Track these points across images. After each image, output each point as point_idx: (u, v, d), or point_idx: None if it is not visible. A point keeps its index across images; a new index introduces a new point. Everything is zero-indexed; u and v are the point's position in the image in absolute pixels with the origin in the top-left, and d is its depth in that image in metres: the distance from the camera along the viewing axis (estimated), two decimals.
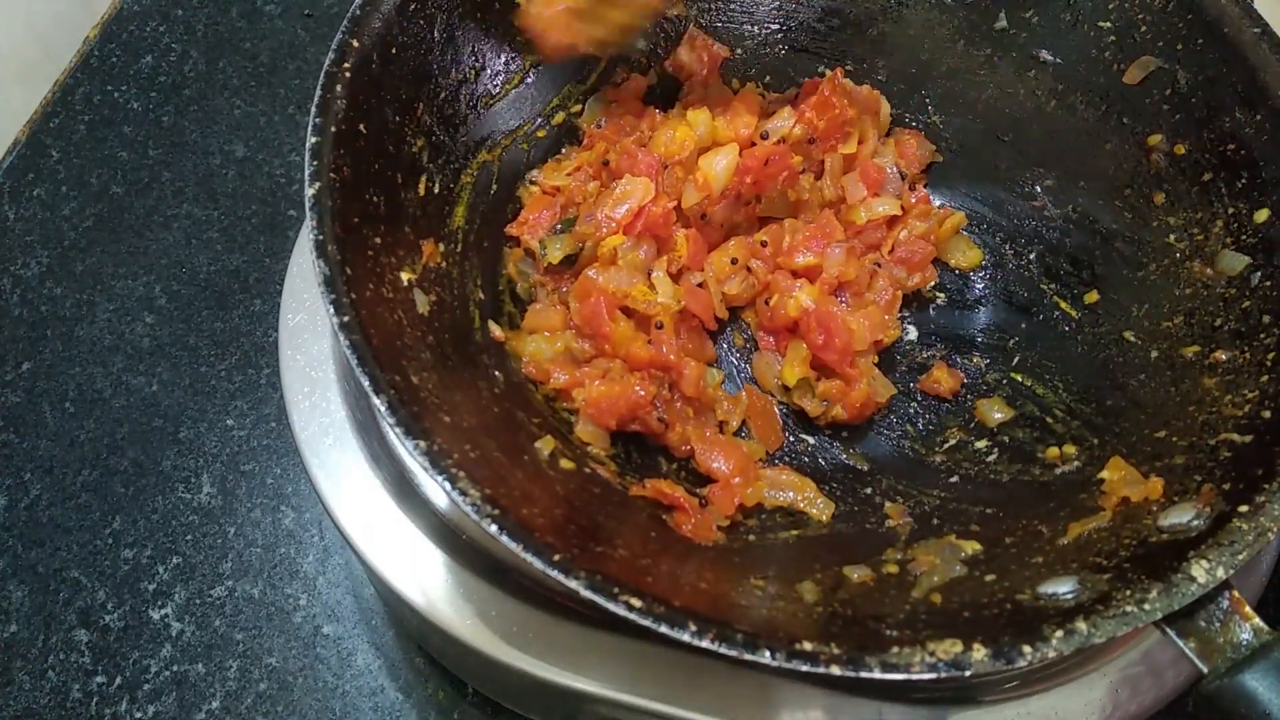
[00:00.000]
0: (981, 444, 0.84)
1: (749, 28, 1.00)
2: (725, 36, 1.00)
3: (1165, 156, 0.84)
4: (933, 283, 0.94)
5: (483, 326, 0.81)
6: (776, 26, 1.00)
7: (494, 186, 0.87)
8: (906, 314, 0.94)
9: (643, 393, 0.79)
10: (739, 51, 1.01)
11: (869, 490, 0.82)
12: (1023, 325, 0.91)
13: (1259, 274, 0.75)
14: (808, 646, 0.55)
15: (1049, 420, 0.83)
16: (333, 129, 0.69)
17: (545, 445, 0.75)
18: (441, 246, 0.79)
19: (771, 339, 0.90)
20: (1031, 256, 0.93)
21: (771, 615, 0.63)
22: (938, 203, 0.98)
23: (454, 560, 0.75)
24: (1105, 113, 0.89)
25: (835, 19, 1.00)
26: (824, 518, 0.79)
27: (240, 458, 1.08)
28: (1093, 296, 0.88)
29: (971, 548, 0.71)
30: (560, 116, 0.93)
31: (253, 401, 1.11)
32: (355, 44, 0.73)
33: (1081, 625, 0.56)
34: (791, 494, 0.80)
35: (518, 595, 0.74)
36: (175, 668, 0.96)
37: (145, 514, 1.05)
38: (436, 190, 0.80)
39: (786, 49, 1.01)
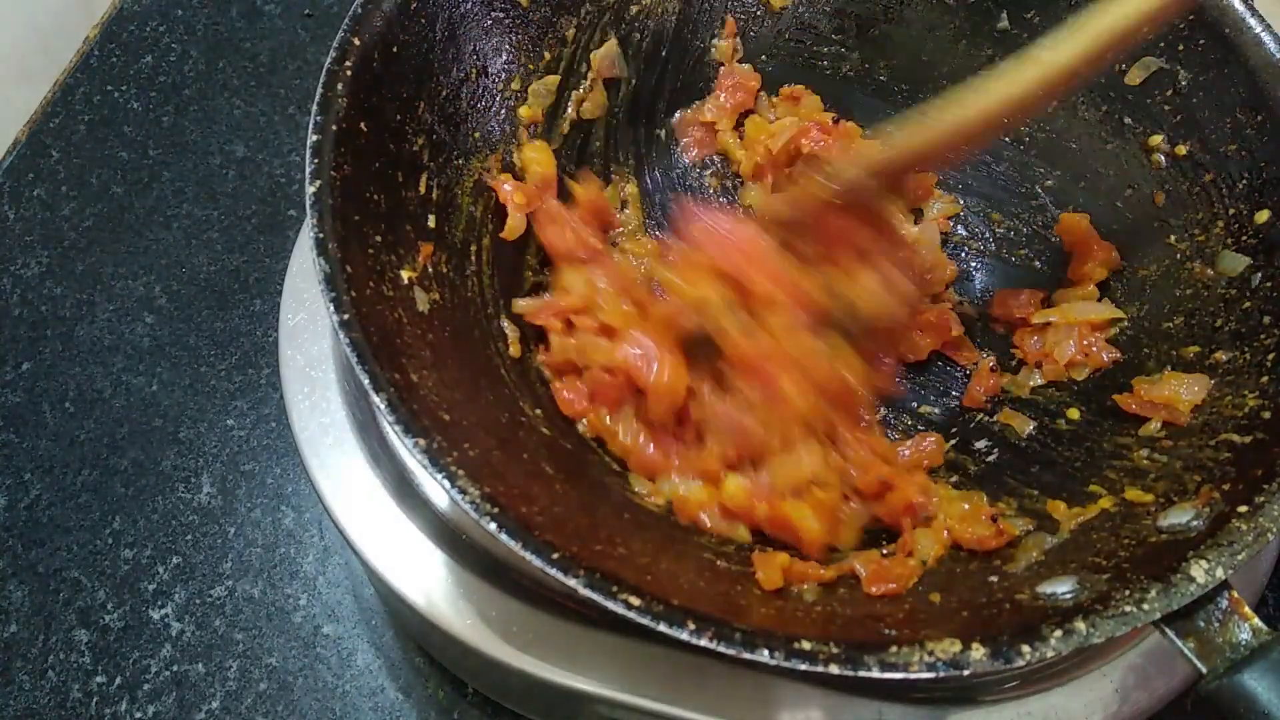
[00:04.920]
0: (981, 444, 0.84)
1: (749, 25, 1.00)
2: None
3: (1166, 157, 0.84)
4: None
5: (483, 324, 0.81)
6: (779, 26, 1.00)
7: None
8: None
9: None
10: (738, 51, 1.01)
11: None
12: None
13: (1259, 275, 0.75)
14: (807, 646, 0.55)
15: (1050, 421, 0.83)
16: (334, 127, 0.69)
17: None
18: (443, 244, 0.80)
19: None
20: (1034, 258, 0.94)
21: (771, 614, 0.63)
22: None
23: (454, 560, 0.75)
24: (1106, 113, 0.89)
25: (836, 19, 1.00)
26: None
27: (240, 458, 1.08)
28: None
29: None
30: (559, 116, 0.93)
31: (253, 401, 1.11)
32: (357, 42, 0.73)
33: (1080, 625, 0.56)
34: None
35: (518, 595, 0.74)
36: (175, 668, 0.96)
37: (145, 514, 1.05)
38: (437, 188, 0.80)
39: (787, 49, 1.01)
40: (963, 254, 0.96)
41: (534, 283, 0.89)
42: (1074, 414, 0.82)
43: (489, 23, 0.86)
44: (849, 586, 0.70)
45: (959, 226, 0.97)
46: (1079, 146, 0.91)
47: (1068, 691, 0.72)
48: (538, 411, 0.79)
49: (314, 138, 0.69)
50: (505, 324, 0.83)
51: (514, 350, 0.82)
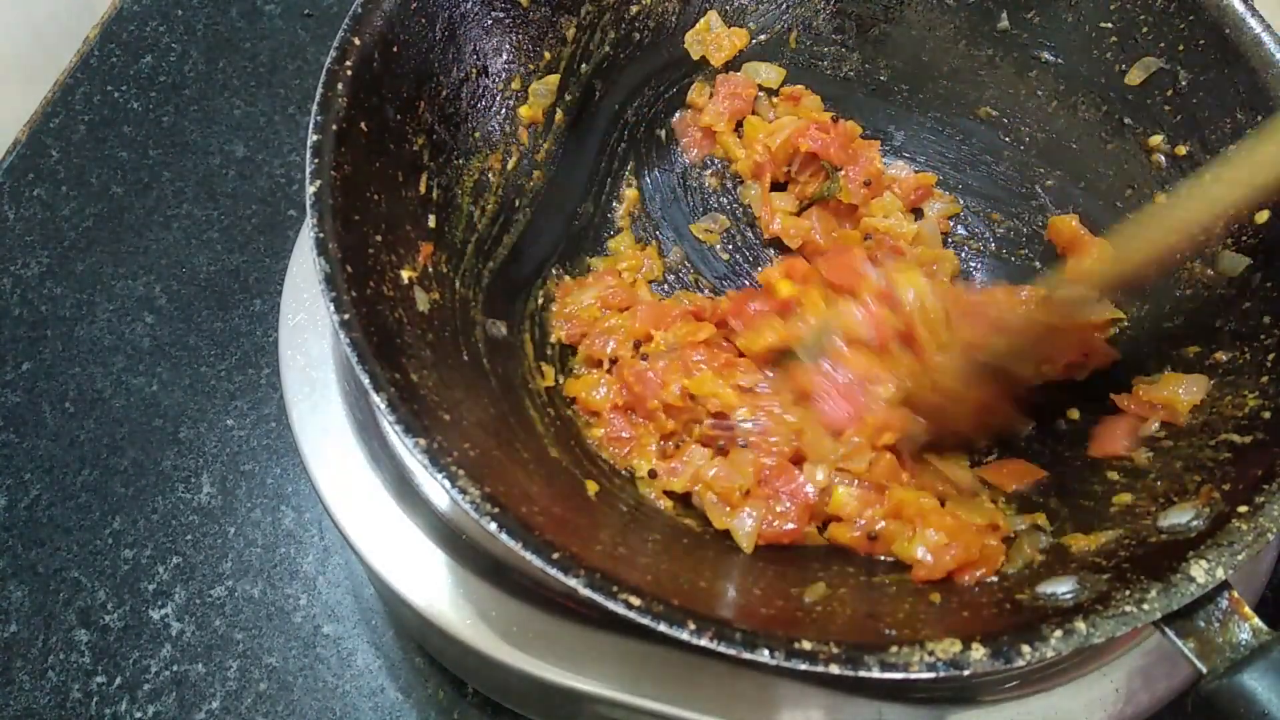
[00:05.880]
0: (980, 444, 0.84)
1: (748, 24, 1.00)
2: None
3: (1167, 157, 0.84)
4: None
5: (483, 324, 0.81)
6: (779, 26, 1.00)
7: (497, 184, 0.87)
8: None
9: None
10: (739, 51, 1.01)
11: None
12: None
13: (1259, 275, 0.75)
14: (807, 645, 0.55)
15: (1050, 421, 0.83)
16: (334, 127, 0.69)
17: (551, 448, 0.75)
18: (443, 244, 0.80)
19: None
20: (1034, 258, 0.94)
21: (771, 614, 0.63)
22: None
23: (454, 560, 0.75)
24: (1107, 113, 0.89)
25: (836, 19, 1.00)
26: None
27: (240, 458, 1.08)
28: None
29: None
30: (560, 116, 0.93)
31: (253, 401, 1.11)
32: (357, 42, 0.73)
33: (1080, 625, 0.56)
34: None
35: (518, 595, 0.74)
36: (175, 668, 0.96)
37: (145, 514, 1.05)
38: (437, 188, 0.80)
39: (788, 50, 1.01)
40: (963, 254, 0.96)
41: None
42: (1074, 414, 0.82)
43: (489, 23, 0.85)
44: (849, 586, 0.70)
45: (959, 226, 0.98)
46: (1079, 146, 0.91)
47: (1068, 691, 0.72)
48: (537, 413, 0.80)
49: (314, 138, 0.68)
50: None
51: None
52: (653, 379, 0.81)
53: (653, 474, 0.79)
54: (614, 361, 0.85)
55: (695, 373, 0.81)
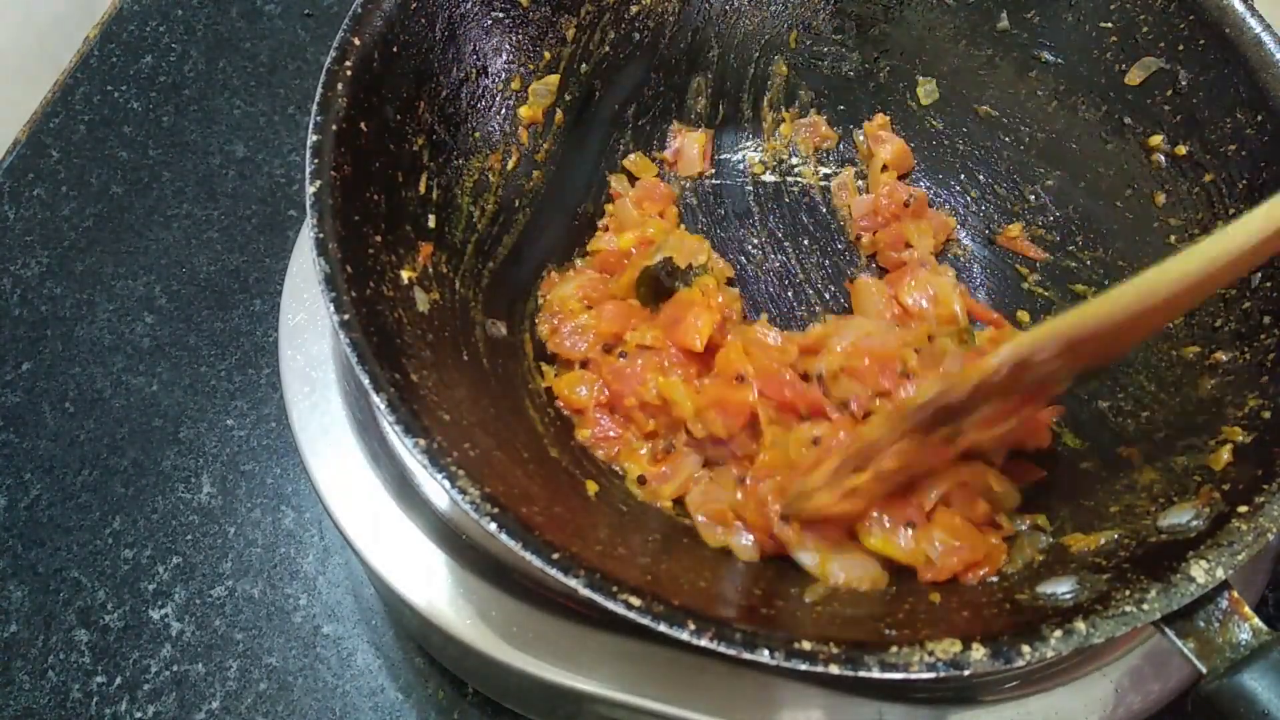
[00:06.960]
0: None
1: (748, 24, 1.00)
2: (724, 35, 1.00)
3: (1166, 157, 0.84)
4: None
5: (483, 324, 0.81)
6: (779, 26, 1.00)
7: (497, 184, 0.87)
8: None
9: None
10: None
11: None
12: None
13: (1259, 275, 0.75)
14: (807, 646, 0.55)
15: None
16: (334, 127, 0.69)
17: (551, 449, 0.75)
18: (443, 244, 0.80)
19: None
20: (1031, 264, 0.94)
21: (771, 614, 0.63)
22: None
23: (454, 560, 0.75)
24: (1107, 113, 0.89)
25: (836, 19, 1.00)
26: None
27: (240, 458, 1.08)
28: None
29: None
30: (560, 116, 0.93)
31: (253, 401, 1.11)
32: (357, 42, 0.73)
33: (1080, 625, 0.56)
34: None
35: (518, 595, 0.74)
36: (175, 668, 0.96)
37: (145, 514, 1.05)
38: (437, 188, 0.80)
39: (789, 49, 1.01)
40: (962, 257, 0.97)
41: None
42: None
43: (489, 23, 0.85)
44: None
45: (959, 227, 0.98)
46: (1079, 146, 0.91)
47: (1068, 691, 0.72)
48: (537, 413, 0.80)
49: (314, 138, 0.68)
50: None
51: None
52: (631, 375, 0.81)
53: (642, 480, 0.79)
54: (584, 364, 0.85)
55: (671, 375, 0.80)
